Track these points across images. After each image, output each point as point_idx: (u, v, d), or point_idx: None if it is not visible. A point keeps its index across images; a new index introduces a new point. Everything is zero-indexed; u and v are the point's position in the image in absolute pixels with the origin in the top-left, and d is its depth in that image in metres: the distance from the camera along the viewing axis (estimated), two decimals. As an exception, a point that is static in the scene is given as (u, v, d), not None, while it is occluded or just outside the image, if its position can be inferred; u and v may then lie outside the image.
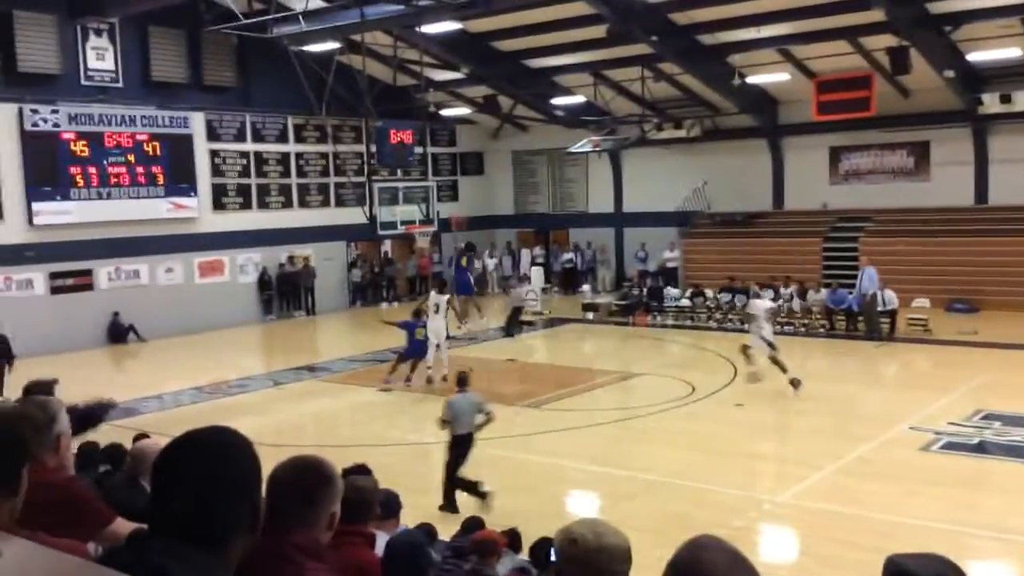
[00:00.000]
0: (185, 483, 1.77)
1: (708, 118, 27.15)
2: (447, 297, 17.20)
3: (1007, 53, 21.03)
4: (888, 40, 20.53)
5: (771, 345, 15.11)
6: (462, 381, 10.65)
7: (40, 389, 7.22)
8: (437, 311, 16.54)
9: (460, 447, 10.29)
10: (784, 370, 14.98)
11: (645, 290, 24.64)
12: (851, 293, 20.74)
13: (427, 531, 6.92)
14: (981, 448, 11.89)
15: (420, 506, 9.11)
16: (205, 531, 1.75)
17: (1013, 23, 19.81)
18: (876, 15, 19.45)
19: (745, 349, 15.56)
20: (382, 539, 5.37)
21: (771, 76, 24.22)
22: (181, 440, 1.83)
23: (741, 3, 20.48)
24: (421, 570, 4.99)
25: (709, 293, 23.32)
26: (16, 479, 2.00)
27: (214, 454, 1.81)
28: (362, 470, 6.17)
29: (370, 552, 3.90)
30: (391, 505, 5.87)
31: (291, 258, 26.71)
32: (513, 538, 6.73)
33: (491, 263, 30.87)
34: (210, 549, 1.74)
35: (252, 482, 1.85)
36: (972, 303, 22.25)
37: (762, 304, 16.22)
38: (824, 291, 21.43)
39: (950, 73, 21.65)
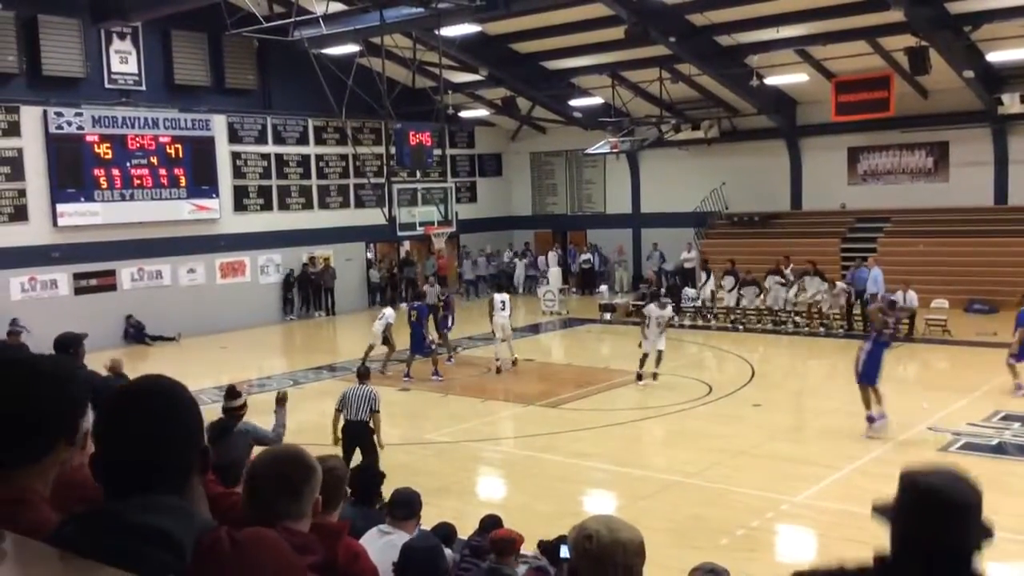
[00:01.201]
0: (138, 432, 1.74)
1: (726, 119, 27.15)
2: (508, 296, 19.26)
3: (1027, 53, 20.95)
4: (907, 40, 20.47)
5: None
6: (361, 375, 11.42)
7: (71, 340, 7.39)
8: (503, 308, 18.25)
9: (351, 434, 10.79)
10: (642, 365, 16.32)
11: (663, 289, 24.57)
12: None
13: (446, 530, 7.00)
14: (1000, 449, 11.88)
15: (439, 505, 9.22)
16: (165, 477, 1.73)
17: (1033, 23, 19.73)
18: (895, 15, 19.40)
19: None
20: (402, 538, 5.47)
21: (789, 77, 24.20)
22: (121, 394, 1.82)
23: (759, 4, 20.48)
24: (436, 574, 5.05)
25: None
26: (75, 429, 1.94)
27: (158, 402, 1.80)
28: (370, 468, 6.29)
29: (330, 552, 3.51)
30: (411, 505, 5.93)
31: (312, 259, 26.93)
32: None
33: (519, 264, 30.94)
34: (176, 494, 1.73)
35: (197, 423, 1.84)
36: (991, 304, 22.14)
37: (665, 313, 16.91)
38: (839, 285, 21.31)
39: (969, 73, 21.58)
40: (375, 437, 10.85)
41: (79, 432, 1.95)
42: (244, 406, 8.58)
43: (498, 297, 18.81)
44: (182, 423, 1.80)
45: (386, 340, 17.93)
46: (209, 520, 1.80)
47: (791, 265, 22.85)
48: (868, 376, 12.73)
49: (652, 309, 16.61)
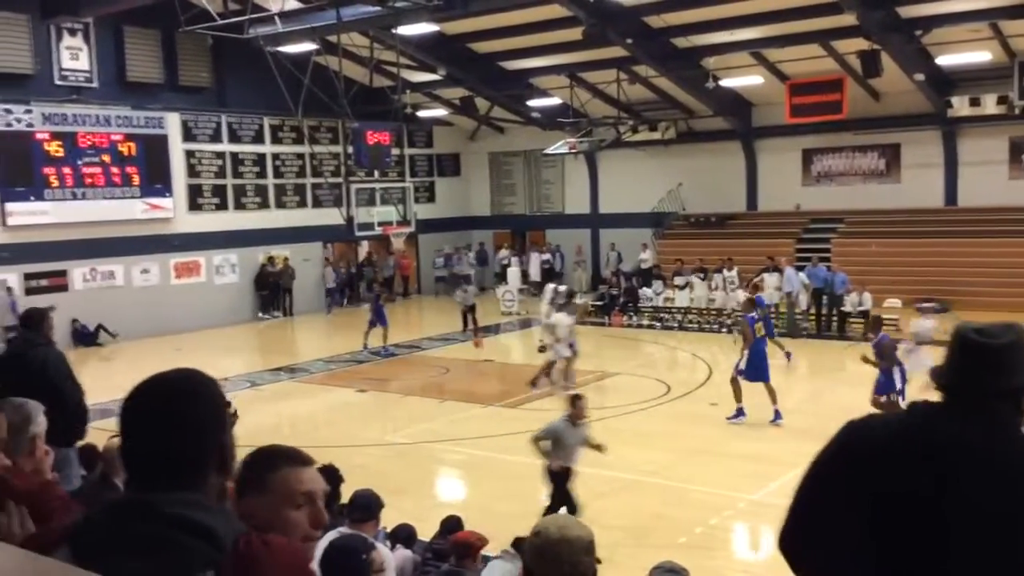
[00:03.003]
0: (162, 423, 1.75)
1: (683, 120, 27.35)
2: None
3: (976, 57, 21.37)
4: (860, 44, 20.79)
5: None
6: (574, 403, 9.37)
7: (35, 315, 7.31)
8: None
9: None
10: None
11: (620, 291, 24.70)
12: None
13: (407, 532, 6.97)
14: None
15: (399, 507, 9.16)
16: (188, 472, 1.73)
17: (982, 27, 20.12)
18: (848, 19, 19.70)
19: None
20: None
21: (745, 79, 24.43)
22: (149, 383, 1.81)
23: (715, 7, 20.66)
24: (359, 572, 4.90)
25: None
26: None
27: (185, 394, 1.80)
28: (330, 470, 6.19)
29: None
30: (369, 508, 5.79)
31: (271, 258, 26.65)
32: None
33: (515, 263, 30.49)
34: (197, 490, 1.74)
35: (213, 419, 1.83)
36: (942, 303, 22.52)
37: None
38: (802, 273, 21.54)
39: (920, 76, 21.96)
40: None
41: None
42: None
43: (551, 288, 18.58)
44: (195, 417, 1.79)
45: (544, 349, 16.08)
46: (240, 523, 1.80)
47: (734, 268, 23.10)
48: (749, 373, 13.52)
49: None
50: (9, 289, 21.04)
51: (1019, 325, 2.22)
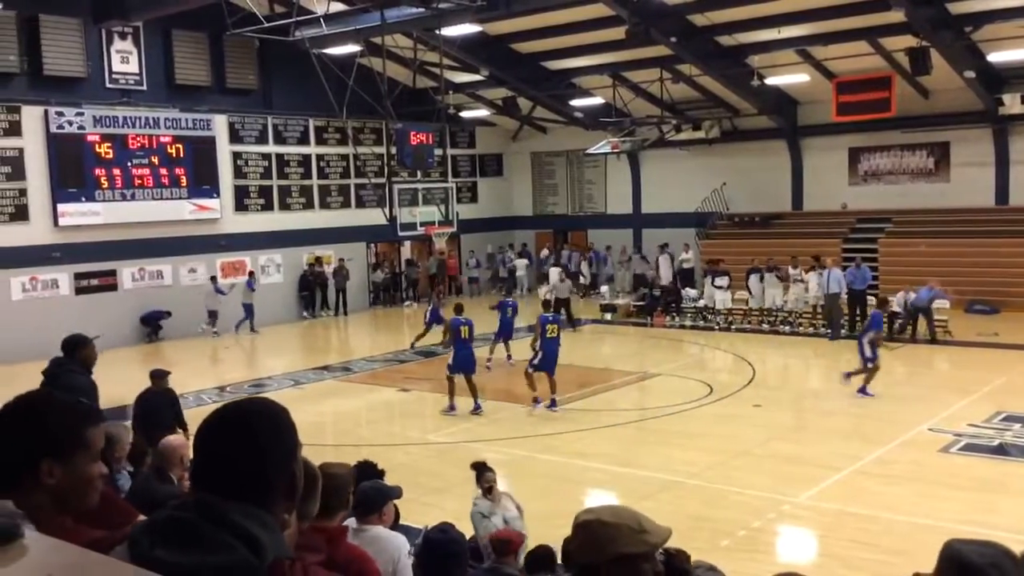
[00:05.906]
0: (238, 441, 1.80)
1: (727, 119, 27.13)
2: None
3: (1028, 53, 20.95)
4: (908, 41, 20.47)
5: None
6: None
7: (74, 342, 7.62)
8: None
9: None
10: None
11: (661, 291, 24.50)
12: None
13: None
14: (1001, 450, 11.85)
15: (441, 506, 9.24)
16: (255, 489, 1.77)
17: (1034, 23, 19.72)
18: (896, 16, 19.39)
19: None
20: (375, 531, 5.15)
21: (790, 77, 24.18)
22: (229, 407, 1.87)
23: (761, 4, 20.46)
24: (458, 565, 4.94)
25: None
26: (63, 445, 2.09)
27: (268, 420, 1.85)
28: (369, 466, 6.16)
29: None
30: (369, 502, 5.02)
31: (318, 259, 26.98)
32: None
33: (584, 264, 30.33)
34: (263, 508, 1.78)
35: (294, 447, 1.89)
36: (992, 304, 22.13)
37: None
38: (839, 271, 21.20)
39: (970, 73, 21.56)
40: None
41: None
42: None
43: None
44: (283, 447, 1.85)
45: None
46: (288, 550, 1.83)
47: (800, 267, 22.77)
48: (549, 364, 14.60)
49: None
50: (213, 278, 23.72)
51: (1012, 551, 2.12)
